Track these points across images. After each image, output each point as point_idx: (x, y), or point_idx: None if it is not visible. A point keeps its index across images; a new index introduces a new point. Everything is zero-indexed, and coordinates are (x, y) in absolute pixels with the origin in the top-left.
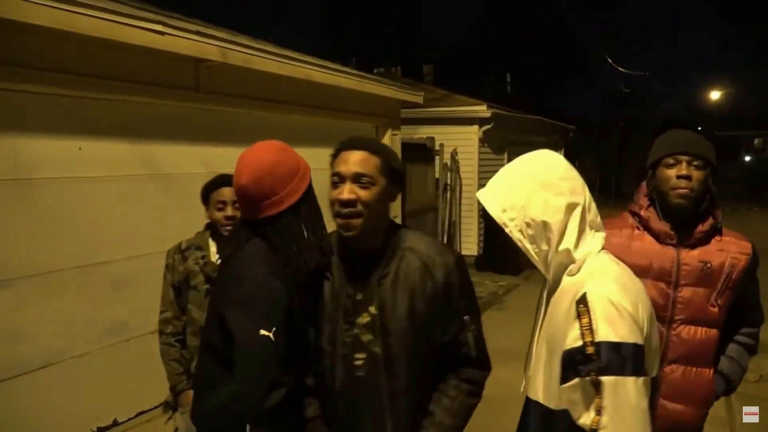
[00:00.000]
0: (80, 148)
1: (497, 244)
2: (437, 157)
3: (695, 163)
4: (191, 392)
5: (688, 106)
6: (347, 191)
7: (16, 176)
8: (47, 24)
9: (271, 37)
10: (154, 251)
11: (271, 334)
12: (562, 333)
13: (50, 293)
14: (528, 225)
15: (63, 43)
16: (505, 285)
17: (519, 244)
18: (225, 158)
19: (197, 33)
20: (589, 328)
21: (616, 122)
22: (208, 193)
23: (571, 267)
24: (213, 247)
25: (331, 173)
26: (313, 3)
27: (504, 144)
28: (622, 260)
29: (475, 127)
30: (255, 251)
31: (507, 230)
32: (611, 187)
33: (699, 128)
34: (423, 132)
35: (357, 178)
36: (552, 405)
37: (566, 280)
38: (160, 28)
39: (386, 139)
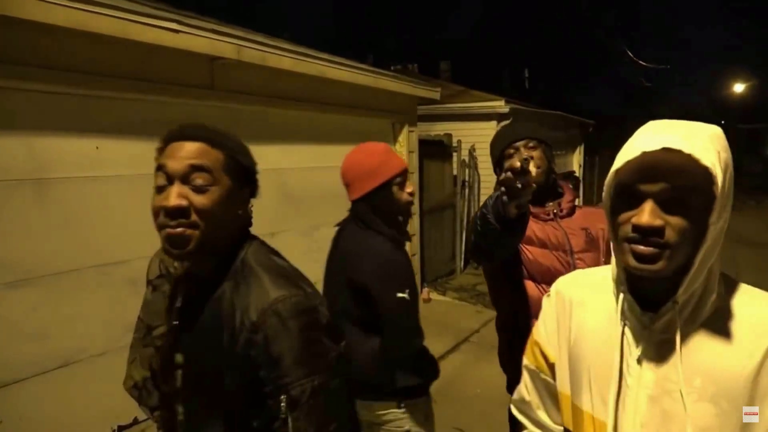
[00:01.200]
0: (97, 148)
1: None
2: (455, 154)
3: (530, 144)
4: None
5: (709, 99)
6: (175, 196)
7: (34, 176)
8: (63, 24)
9: (286, 35)
10: None
11: (406, 295)
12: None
13: (69, 292)
14: None
15: (79, 43)
16: None
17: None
18: None
19: (212, 31)
20: None
21: (636, 116)
22: None
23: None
24: None
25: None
26: (329, 0)
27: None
28: (538, 237)
29: (493, 123)
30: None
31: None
32: None
33: (722, 122)
34: (440, 128)
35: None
36: None
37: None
38: (174, 26)
39: (403, 136)
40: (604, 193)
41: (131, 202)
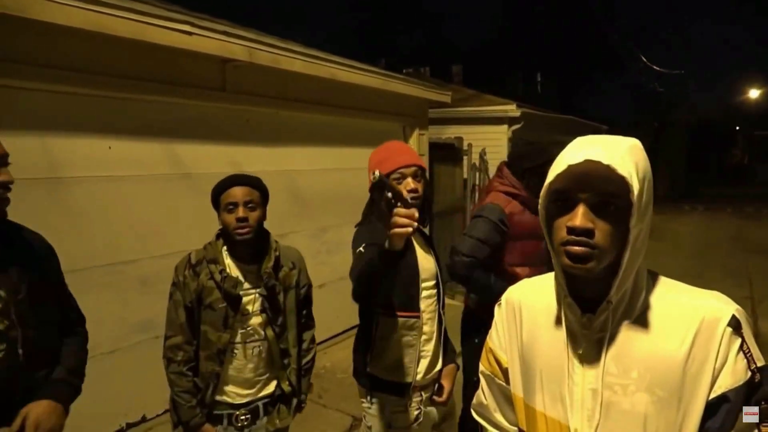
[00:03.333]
0: (110, 147)
1: None
2: (465, 157)
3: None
4: (208, 427)
5: (723, 105)
6: None
7: (47, 175)
8: (78, 25)
9: (298, 38)
10: (182, 250)
11: (362, 248)
12: (698, 370)
13: (79, 291)
14: None
15: (93, 44)
16: None
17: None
18: (251, 158)
19: (224, 33)
20: (750, 354)
21: (649, 121)
22: (217, 195)
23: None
24: (228, 259)
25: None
26: (342, 3)
27: None
28: (522, 224)
29: (504, 127)
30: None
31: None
32: None
33: (737, 128)
34: (451, 132)
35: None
36: None
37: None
38: (187, 28)
39: (413, 139)
40: (540, 204)
41: (143, 202)
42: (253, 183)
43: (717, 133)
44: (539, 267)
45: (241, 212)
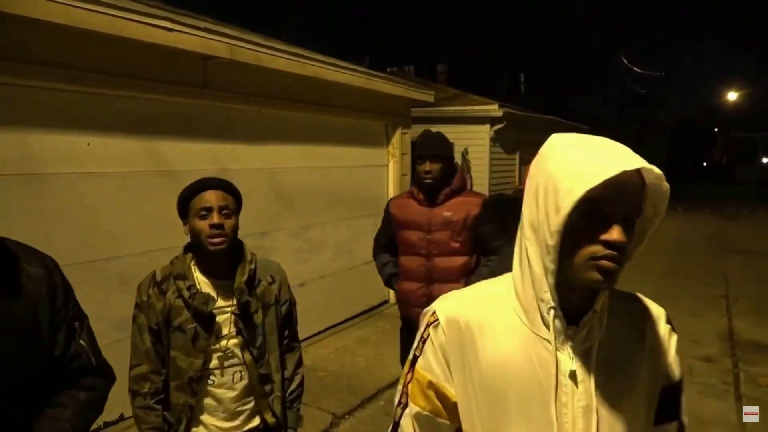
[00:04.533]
0: (89, 144)
1: None
2: None
3: (434, 159)
4: None
5: (704, 106)
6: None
7: (25, 171)
8: (58, 20)
9: (282, 35)
10: (162, 247)
11: None
12: (656, 363)
13: None
14: None
15: (72, 40)
16: None
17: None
18: (233, 155)
19: (205, 30)
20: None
21: (631, 122)
22: (187, 201)
23: None
24: (197, 273)
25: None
26: (327, 1)
27: (516, 144)
28: (403, 215)
29: (487, 127)
30: None
31: None
32: None
33: (716, 129)
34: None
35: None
36: None
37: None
38: (168, 24)
39: (396, 138)
40: (559, 216)
41: (122, 199)
42: (228, 188)
43: (697, 135)
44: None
45: (216, 218)
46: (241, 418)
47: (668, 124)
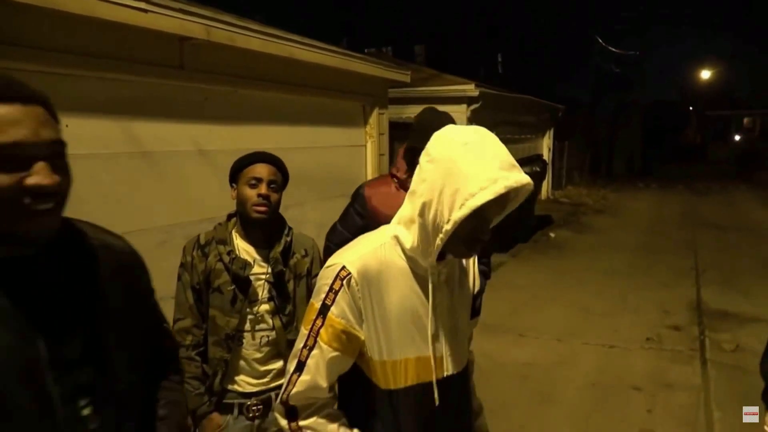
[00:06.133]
0: (66, 126)
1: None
2: None
3: None
4: (216, 416)
5: (679, 87)
6: None
7: None
8: (32, 2)
9: (259, 16)
10: (140, 228)
11: None
12: (468, 291)
13: None
14: None
15: (47, 21)
16: (493, 262)
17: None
18: (211, 136)
19: (181, 11)
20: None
21: (607, 103)
22: (239, 169)
23: None
24: (238, 240)
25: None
26: None
27: (493, 123)
28: (385, 208)
29: (464, 107)
30: None
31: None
32: (601, 167)
33: (690, 108)
34: (411, 111)
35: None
36: (464, 363)
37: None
38: (143, 5)
39: (373, 118)
40: (461, 212)
41: (100, 181)
42: (279, 165)
43: (672, 114)
44: None
45: (263, 189)
46: (269, 376)
47: (643, 105)
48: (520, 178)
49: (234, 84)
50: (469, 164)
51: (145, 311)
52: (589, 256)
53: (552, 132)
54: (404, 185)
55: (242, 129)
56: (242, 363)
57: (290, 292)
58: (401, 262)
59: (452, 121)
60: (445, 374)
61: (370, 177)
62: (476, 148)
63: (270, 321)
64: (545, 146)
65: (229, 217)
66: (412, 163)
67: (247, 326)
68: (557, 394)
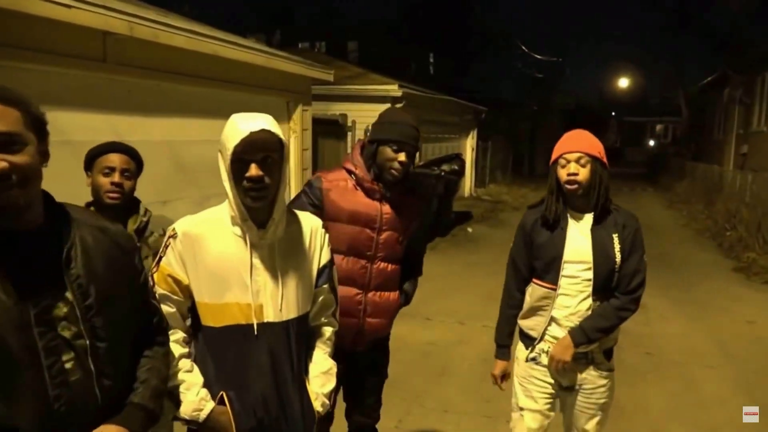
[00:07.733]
0: None
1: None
2: (350, 134)
3: (409, 150)
4: None
5: (598, 92)
6: None
7: None
8: None
9: (185, 8)
10: None
11: None
12: (313, 251)
13: None
14: None
15: None
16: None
17: None
18: (135, 127)
19: (104, 7)
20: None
21: (530, 104)
22: (93, 158)
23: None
24: None
25: None
26: None
27: (418, 123)
28: (343, 203)
29: (387, 106)
30: None
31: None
32: (523, 166)
33: (612, 114)
34: (337, 108)
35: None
36: (304, 311)
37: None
38: (67, 1)
39: (297, 114)
40: (225, 165)
41: None
42: (132, 153)
43: (592, 118)
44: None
45: (117, 177)
46: None
47: (565, 108)
48: (254, 126)
49: (158, 78)
50: (229, 129)
51: (133, 286)
52: (501, 249)
53: (476, 132)
54: (361, 182)
55: (165, 121)
56: None
57: (148, 267)
58: (229, 227)
59: (409, 119)
60: (265, 320)
61: (293, 172)
62: (234, 123)
63: None
64: (468, 146)
65: (88, 205)
66: (373, 155)
67: None
68: (453, 368)
